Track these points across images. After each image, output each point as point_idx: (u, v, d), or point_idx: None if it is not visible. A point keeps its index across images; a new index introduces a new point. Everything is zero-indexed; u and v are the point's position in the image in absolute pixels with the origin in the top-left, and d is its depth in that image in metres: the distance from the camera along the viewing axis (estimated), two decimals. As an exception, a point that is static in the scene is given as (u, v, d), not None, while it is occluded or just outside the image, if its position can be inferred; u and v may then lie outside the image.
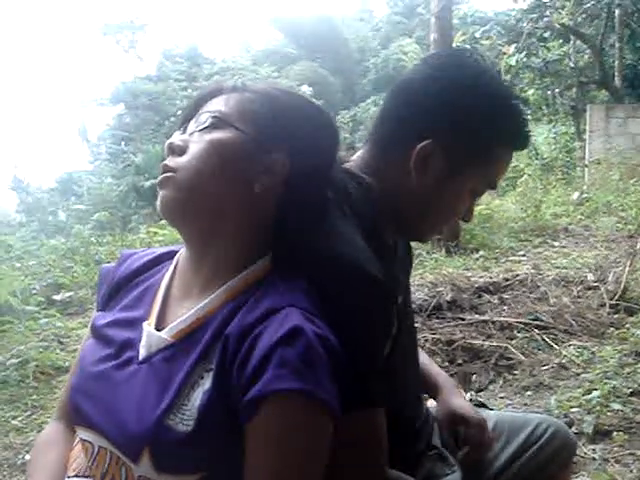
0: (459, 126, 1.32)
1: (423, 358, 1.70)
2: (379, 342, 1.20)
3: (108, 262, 7.42)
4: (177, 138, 1.19)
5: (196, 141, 1.17)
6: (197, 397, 1.05)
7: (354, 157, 1.42)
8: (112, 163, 32.34)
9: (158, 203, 1.16)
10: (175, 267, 1.26)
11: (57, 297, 6.67)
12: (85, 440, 1.15)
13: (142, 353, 1.14)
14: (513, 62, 11.25)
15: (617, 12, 14.70)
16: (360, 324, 1.14)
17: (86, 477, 1.13)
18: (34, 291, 6.72)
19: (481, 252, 6.80)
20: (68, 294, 6.72)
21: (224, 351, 1.06)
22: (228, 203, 1.16)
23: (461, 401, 1.63)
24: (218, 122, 1.17)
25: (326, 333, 1.06)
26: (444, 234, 1.65)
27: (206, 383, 1.06)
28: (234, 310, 1.11)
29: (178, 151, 1.17)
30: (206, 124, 1.17)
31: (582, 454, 2.99)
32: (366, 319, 1.15)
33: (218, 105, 1.20)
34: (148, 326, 1.17)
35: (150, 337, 1.15)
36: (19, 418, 3.94)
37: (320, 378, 1.02)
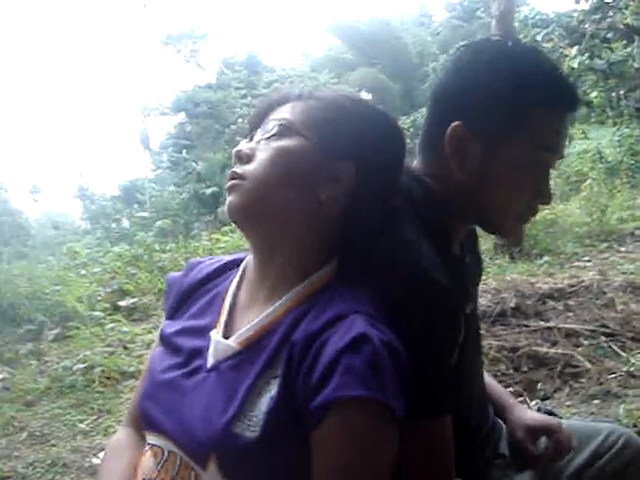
0: (481, 101, 1.29)
1: (489, 379, 1.67)
2: (446, 351, 1.18)
3: (171, 269, 7.58)
4: (245, 146, 1.21)
5: (263, 149, 1.18)
6: (264, 404, 1.06)
7: (414, 163, 1.41)
8: (174, 171, 32.80)
9: (226, 208, 1.18)
10: (242, 275, 1.27)
11: (122, 303, 6.80)
12: (155, 445, 1.17)
13: (210, 361, 1.16)
14: (575, 64, 11.08)
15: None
16: (427, 333, 1.13)
17: None
18: (99, 297, 6.87)
19: (545, 258, 6.71)
20: (132, 300, 6.84)
21: (290, 358, 1.07)
22: (294, 210, 1.17)
23: (534, 413, 1.61)
24: (285, 130, 1.18)
25: (392, 340, 1.06)
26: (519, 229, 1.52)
27: (272, 390, 1.06)
28: (299, 317, 1.11)
29: (246, 159, 1.18)
30: (273, 132, 1.18)
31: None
32: (434, 328, 1.14)
33: (285, 113, 1.20)
34: (216, 334, 1.19)
35: (217, 345, 1.17)
36: (86, 422, 4.02)
37: (386, 385, 1.01)
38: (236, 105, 33.59)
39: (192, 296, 1.32)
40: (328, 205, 1.17)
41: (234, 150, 1.21)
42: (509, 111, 1.28)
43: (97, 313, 6.09)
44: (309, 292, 1.15)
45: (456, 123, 1.29)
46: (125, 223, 23.81)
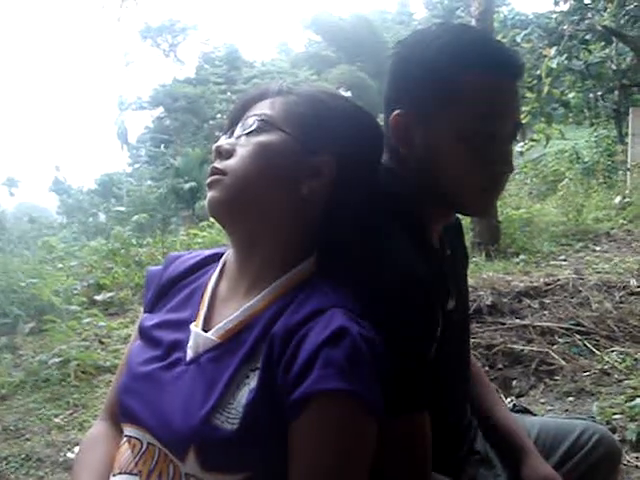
0: (412, 83, 1.30)
1: (507, 415, 1.62)
2: (423, 346, 1.19)
3: (148, 263, 7.55)
4: (225, 142, 1.21)
5: (243, 144, 1.18)
6: (243, 396, 1.06)
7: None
8: (151, 165, 32.68)
9: (207, 204, 1.18)
10: (222, 269, 1.27)
11: (98, 297, 6.77)
12: (132, 437, 1.17)
13: (189, 354, 1.16)
14: (554, 65, 11.11)
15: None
16: (405, 328, 1.14)
17: (132, 474, 1.15)
18: (76, 291, 6.83)
19: (521, 256, 6.76)
20: (109, 294, 6.81)
21: (270, 351, 1.07)
22: (275, 205, 1.17)
23: (549, 468, 1.54)
24: (265, 125, 1.18)
25: (371, 334, 1.06)
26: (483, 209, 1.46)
27: (252, 382, 1.07)
28: (279, 310, 1.12)
29: (226, 154, 1.19)
30: (253, 127, 1.19)
31: (625, 462, 2.95)
32: (410, 321, 1.15)
33: (264, 108, 1.21)
34: (195, 327, 1.19)
35: (197, 338, 1.17)
36: (61, 416, 3.99)
37: (365, 379, 1.02)
38: (215, 100, 33.53)
39: (171, 290, 1.32)
40: (309, 199, 1.17)
41: (214, 146, 1.21)
42: (440, 85, 1.27)
43: (73, 307, 6.05)
44: (289, 286, 1.16)
45: (396, 112, 1.30)
46: (102, 217, 23.65)
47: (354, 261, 1.18)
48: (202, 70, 38.45)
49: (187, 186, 23.16)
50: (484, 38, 1.33)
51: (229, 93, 35.48)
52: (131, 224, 15.94)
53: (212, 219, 1.23)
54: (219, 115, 32.18)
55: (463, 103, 1.26)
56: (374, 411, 1.03)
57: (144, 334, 1.28)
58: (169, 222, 19.82)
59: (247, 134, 1.19)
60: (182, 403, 1.10)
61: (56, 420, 3.94)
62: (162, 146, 33.95)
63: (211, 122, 31.91)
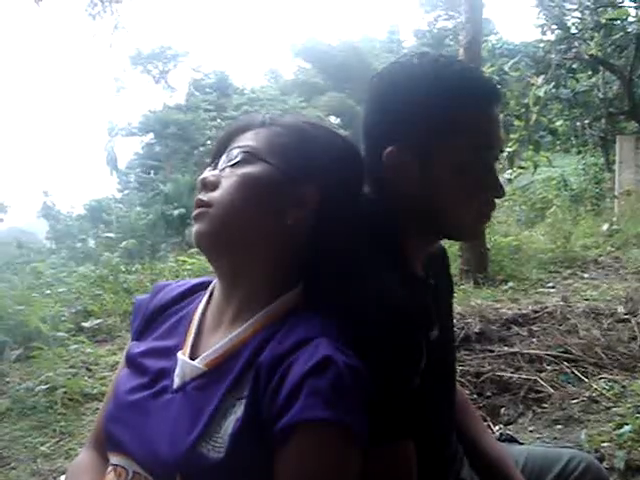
0: (407, 119, 1.31)
1: (494, 444, 1.62)
2: (407, 375, 1.19)
3: (136, 290, 7.51)
4: (209, 174, 1.22)
5: (228, 176, 1.19)
6: (229, 425, 1.06)
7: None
8: (141, 192, 32.62)
9: (193, 236, 1.19)
10: (209, 297, 1.28)
11: (86, 324, 6.72)
12: (119, 465, 1.17)
13: (176, 382, 1.16)
14: (542, 93, 11.20)
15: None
16: (387, 356, 1.14)
17: None
18: (63, 318, 6.78)
19: (510, 283, 6.77)
20: (97, 321, 6.77)
21: (256, 380, 1.07)
22: (261, 236, 1.18)
23: None
24: (249, 157, 1.19)
25: (357, 364, 1.07)
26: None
27: (238, 411, 1.07)
28: (266, 340, 1.12)
29: (211, 186, 1.20)
30: (237, 159, 1.20)
31: (615, 491, 2.95)
32: (394, 352, 1.15)
33: (248, 140, 1.22)
34: (182, 355, 1.19)
35: (184, 366, 1.17)
36: (47, 444, 3.95)
37: (351, 408, 1.02)
38: (205, 127, 33.62)
39: (158, 318, 1.33)
40: (294, 229, 1.18)
41: (199, 178, 1.22)
42: (437, 119, 1.29)
43: (61, 334, 6.00)
44: (276, 315, 1.16)
45: (389, 149, 1.30)
46: (91, 243, 23.56)
47: (339, 292, 1.19)
48: (192, 97, 38.58)
49: (176, 212, 23.13)
50: (468, 68, 1.36)
51: (219, 120, 35.58)
52: (120, 250, 15.88)
53: None
54: (209, 142, 32.24)
55: (462, 135, 1.29)
56: (359, 441, 1.03)
57: (131, 362, 1.28)
58: (158, 249, 19.76)
59: (231, 166, 1.20)
60: (168, 431, 1.11)
61: (42, 448, 3.90)
62: (152, 172, 33.96)
63: (201, 149, 31.96)
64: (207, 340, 1.20)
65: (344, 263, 1.22)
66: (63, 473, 3.39)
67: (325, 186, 1.20)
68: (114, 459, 1.19)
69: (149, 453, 1.11)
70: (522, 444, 1.87)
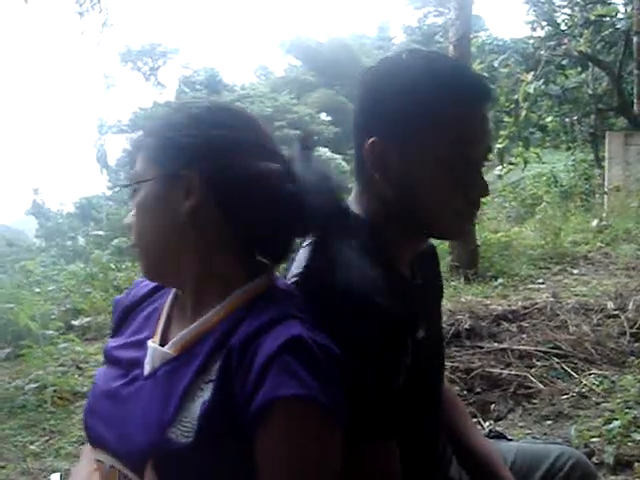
0: (390, 112, 1.30)
1: (483, 441, 1.61)
2: (386, 373, 1.18)
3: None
4: (128, 216, 1.26)
5: (133, 212, 1.23)
6: (197, 409, 1.07)
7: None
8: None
9: None
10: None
11: (76, 322, 6.71)
12: (98, 460, 1.19)
13: (147, 369, 1.18)
14: (531, 90, 11.23)
15: (635, 39, 14.70)
16: (367, 355, 1.14)
17: None
18: (53, 316, 6.77)
19: (500, 280, 6.77)
20: (87, 319, 6.76)
21: (227, 363, 1.08)
22: (179, 250, 1.19)
23: None
24: (135, 186, 1.22)
25: (328, 343, 1.07)
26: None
27: (205, 395, 1.07)
28: (236, 323, 1.12)
29: (129, 229, 1.24)
30: (130, 192, 1.23)
31: (605, 486, 2.97)
32: (373, 351, 1.15)
33: (135, 168, 1.24)
34: (152, 343, 1.21)
35: (154, 352, 1.19)
36: (37, 443, 3.95)
37: (322, 385, 1.02)
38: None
39: (132, 313, 1.35)
40: (198, 217, 1.16)
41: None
42: (420, 114, 1.28)
43: (50, 332, 5.99)
44: (246, 299, 1.17)
45: (372, 139, 1.30)
46: (81, 241, 23.48)
47: (314, 285, 1.21)
48: (182, 94, 38.45)
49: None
50: (458, 65, 1.36)
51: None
52: (110, 248, 15.87)
53: None
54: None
55: (444, 131, 1.28)
56: (335, 418, 1.04)
57: (107, 357, 1.31)
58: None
59: (132, 200, 1.23)
60: (141, 418, 1.11)
61: (32, 447, 3.89)
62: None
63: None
64: (177, 327, 1.22)
65: (320, 259, 1.25)
66: (54, 471, 3.39)
67: (203, 161, 1.17)
68: (96, 455, 1.21)
69: (123, 442, 1.12)
70: (511, 440, 1.87)
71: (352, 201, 1.39)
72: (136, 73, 41.43)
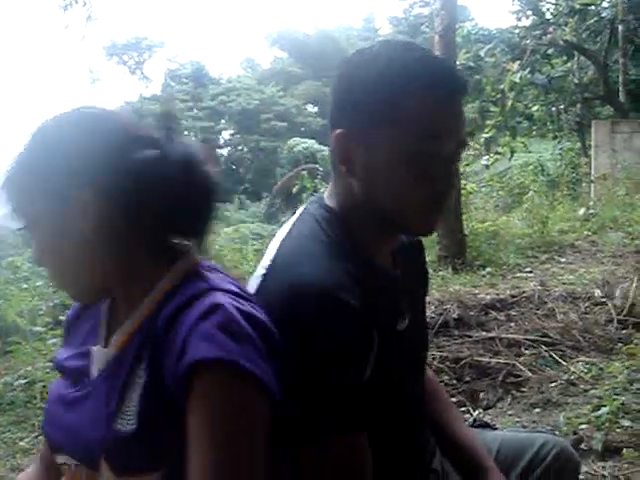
0: (354, 102, 1.29)
1: (466, 431, 1.61)
2: (348, 369, 1.18)
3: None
4: (34, 252, 1.27)
5: (37, 248, 1.24)
6: (136, 395, 1.08)
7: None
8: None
9: None
10: None
11: (64, 317, 6.68)
12: (63, 463, 1.20)
13: (93, 372, 1.19)
14: (517, 79, 11.23)
15: (620, 28, 14.75)
16: (328, 351, 1.15)
17: None
18: (41, 312, 6.74)
19: (488, 269, 6.78)
20: (75, 314, 6.72)
21: (154, 345, 1.08)
22: (94, 263, 1.19)
23: None
24: (23, 224, 1.21)
25: (252, 311, 1.08)
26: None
27: (141, 380, 1.09)
28: (161, 308, 1.13)
29: (41, 263, 1.25)
30: (27, 233, 1.23)
31: (592, 471, 2.98)
32: (334, 346, 1.15)
33: (17, 211, 1.23)
34: (96, 347, 1.22)
35: (98, 355, 1.20)
36: (26, 439, 3.94)
37: (245, 351, 1.02)
38: (182, 118, 33.41)
39: (74, 327, 1.37)
40: (101, 236, 1.16)
41: None
42: (382, 105, 1.25)
43: (38, 328, 5.97)
44: (172, 283, 1.17)
45: (338, 131, 1.29)
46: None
47: (278, 284, 1.21)
48: (168, 87, 38.38)
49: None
50: (427, 57, 1.30)
51: (196, 110, 35.43)
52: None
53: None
54: (186, 133, 32.13)
55: (406, 123, 1.24)
56: (259, 384, 1.03)
57: (58, 368, 1.32)
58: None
59: (32, 240, 1.23)
60: (90, 418, 1.13)
61: (21, 443, 3.88)
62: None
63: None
64: (116, 329, 1.22)
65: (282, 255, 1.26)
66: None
67: (82, 177, 1.14)
68: (58, 459, 1.22)
69: (78, 444, 1.14)
70: (496, 429, 1.87)
71: (327, 193, 1.39)
72: (122, 67, 41.29)
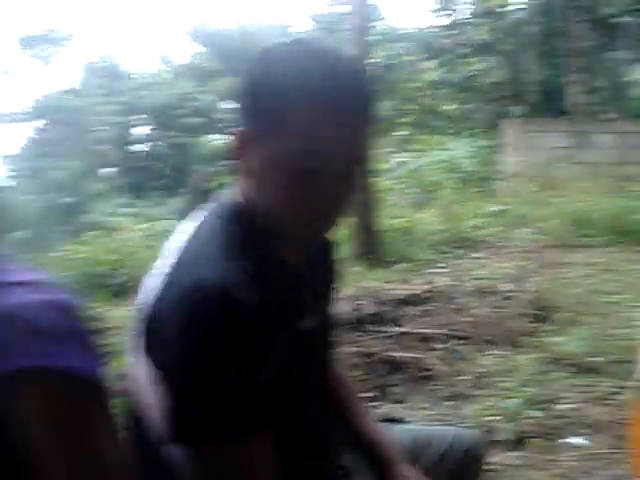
0: (245, 106, 1.26)
1: (373, 426, 1.61)
2: (241, 371, 1.15)
3: None
4: None
5: None
6: None
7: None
8: (32, 179, 31.64)
9: None
10: None
11: None
12: None
13: None
14: (433, 78, 11.42)
15: (533, 29, 15.14)
16: (218, 354, 1.13)
17: None
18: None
19: (402, 265, 6.85)
20: None
21: None
22: None
23: (417, 477, 1.54)
24: None
25: (56, 297, 0.97)
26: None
27: None
28: None
29: None
30: None
31: (502, 462, 3.04)
32: (225, 349, 1.13)
33: None
34: None
35: None
36: None
37: (51, 347, 0.92)
38: (98, 112, 32.80)
39: None
40: None
41: None
42: (266, 115, 1.21)
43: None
44: None
45: (238, 129, 1.27)
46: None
47: (178, 285, 1.18)
48: (85, 81, 37.57)
49: (69, 200, 22.58)
50: (328, 70, 1.20)
51: (112, 105, 34.79)
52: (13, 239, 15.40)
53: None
54: (102, 127, 31.54)
55: (290, 136, 1.19)
56: (85, 380, 0.94)
57: None
58: (50, 237, 19.26)
59: None
60: None
61: None
62: (43, 159, 32.96)
63: (94, 134, 31.22)
64: None
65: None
66: None
67: None
68: None
69: None
70: (406, 424, 1.88)
71: (232, 191, 1.36)
72: (35, 60, 40.23)
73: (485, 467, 1.78)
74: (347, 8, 7.36)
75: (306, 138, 1.18)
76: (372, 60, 8.73)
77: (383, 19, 24.69)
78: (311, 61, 1.22)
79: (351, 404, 1.65)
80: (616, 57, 17.44)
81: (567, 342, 4.36)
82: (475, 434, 1.86)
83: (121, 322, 2.70)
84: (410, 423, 1.96)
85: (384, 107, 12.18)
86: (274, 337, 1.20)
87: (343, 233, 6.17)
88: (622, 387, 3.57)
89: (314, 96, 1.17)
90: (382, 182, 8.63)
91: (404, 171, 12.07)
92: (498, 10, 14.49)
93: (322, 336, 1.49)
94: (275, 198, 1.23)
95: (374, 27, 14.56)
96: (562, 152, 12.14)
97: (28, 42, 37.61)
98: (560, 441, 3.26)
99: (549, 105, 16.93)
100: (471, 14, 15.33)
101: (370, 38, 8.34)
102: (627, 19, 15.76)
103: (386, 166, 10.71)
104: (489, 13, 14.54)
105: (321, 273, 1.51)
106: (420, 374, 4.05)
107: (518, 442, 3.23)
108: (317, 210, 1.23)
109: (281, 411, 1.22)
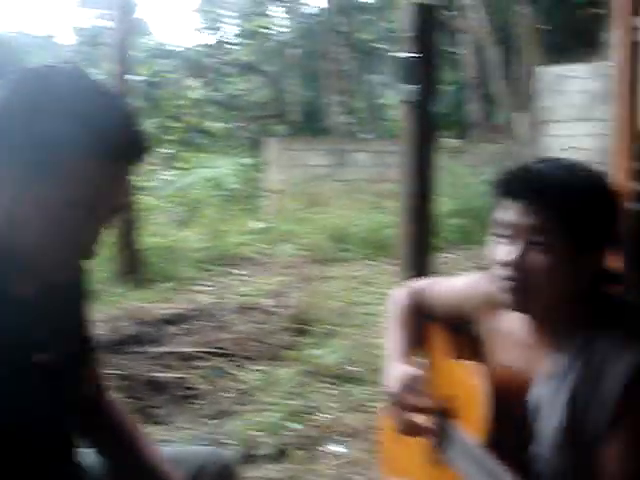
0: (13, 138, 1.14)
1: (151, 452, 1.57)
2: None
3: None
4: None
5: None
6: None
7: None
8: None
9: None
10: None
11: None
12: None
13: None
14: (198, 96, 11.45)
15: (296, 52, 15.65)
16: None
17: None
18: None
19: (165, 284, 6.72)
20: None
21: None
22: None
23: None
24: None
25: None
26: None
27: None
28: None
29: None
30: None
31: (264, 475, 3.09)
32: None
33: None
34: None
35: None
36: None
37: None
38: None
39: None
40: None
41: None
42: (35, 154, 1.12)
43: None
44: None
45: None
46: None
47: None
48: None
49: None
50: (96, 111, 1.15)
51: None
52: None
53: None
54: None
55: (55, 181, 1.13)
56: None
57: None
58: None
59: None
60: None
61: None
62: None
63: None
64: None
65: None
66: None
67: None
68: None
69: None
70: (167, 445, 1.86)
71: None
72: None
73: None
74: (111, 23, 7.16)
75: (83, 187, 1.14)
76: (134, 77, 8.55)
77: (150, 34, 24.42)
78: (82, 103, 1.15)
79: (128, 430, 1.60)
80: (373, 80, 18.50)
81: (326, 354, 4.52)
82: (229, 452, 1.88)
83: None
84: (171, 445, 1.94)
85: (148, 124, 12.01)
86: None
87: (104, 253, 5.96)
88: (378, 394, 3.74)
89: (88, 146, 1.12)
90: (146, 200, 8.46)
91: (169, 189, 11.94)
92: (262, 31, 14.85)
93: (65, 370, 1.40)
94: (29, 231, 1.16)
95: (140, 42, 14.32)
96: (323, 170, 12.54)
97: None
98: (320, 450, 3.35)
99: (310, 124, 17.56)
100: (236, 35, 15.60)
101: (135, 54, 8.18)
102: (383, 45, 16.73)
103: (151, 184, 10.53)
104: (254, 34, 14.87)
105: (66, 303, 1.42)
106: (183, 393, 4.01)
107: (280, 455, 3.29)
108: (79, 250, 1.21)
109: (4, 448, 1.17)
